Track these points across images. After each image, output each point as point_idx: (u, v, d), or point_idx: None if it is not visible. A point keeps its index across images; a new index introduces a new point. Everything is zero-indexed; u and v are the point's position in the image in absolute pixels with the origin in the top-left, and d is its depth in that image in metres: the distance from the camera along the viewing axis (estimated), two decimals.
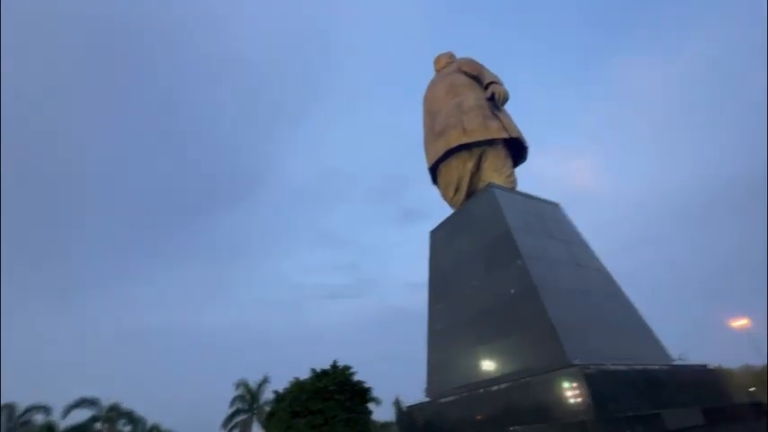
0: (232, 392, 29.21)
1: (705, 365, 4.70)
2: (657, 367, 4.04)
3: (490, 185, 5.90)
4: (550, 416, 3.16)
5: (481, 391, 4.11)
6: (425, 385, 5.45)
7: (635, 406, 3.02)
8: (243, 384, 29.50)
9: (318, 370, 19.24)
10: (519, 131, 7.01)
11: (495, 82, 7.51)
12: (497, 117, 7.13)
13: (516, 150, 7.16)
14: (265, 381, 29.07)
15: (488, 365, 4.43)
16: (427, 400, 5.33)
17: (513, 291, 4.52)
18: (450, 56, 9.36)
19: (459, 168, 7.00)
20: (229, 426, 28.57)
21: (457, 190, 7.07)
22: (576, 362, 3.43)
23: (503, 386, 3.85)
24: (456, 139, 6.85)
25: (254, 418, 28.43)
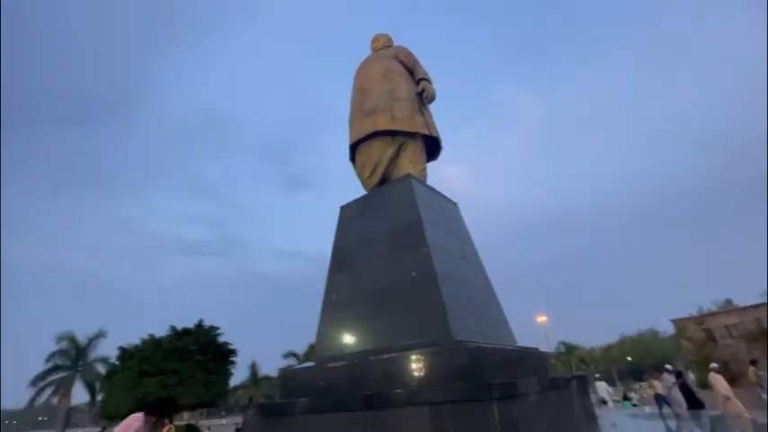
0: (52, 346, 24.41)
1: (537, 348, 6.08)
2: (510, 348, 5.10)
3: (409, 176, 6.31)
4: (435, 381, 3.70)
5: (372, 358, 4.51)
6: (316, 350, 5.66)
7: (498, 376, 3.77)
8: (68, 338, 24.76)
9: (180, 328, 17.82)
10: (438, 132, 7.60)
11: (426, 79, 7.94)
12: (422, 113, 7.59)
13: (431, 148, 7.76)
14: (100, 335, 24.95)
15: (381, 336, 4.86)
16: (313, 364, 5.56)
17: (414, 274, 5.01)
18: (389, 39, 9.44)
19: (380, 152, 7.25)
20: (41, 384, 23.86)
21: (372, 172, 7.32)
22: (460, 339, 4.09)
23: (393, 355, 4.30)
24: (383, 124, 7.06)
25: (78, 376, 24.35)
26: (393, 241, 5.57)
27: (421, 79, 7.90)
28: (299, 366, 5.64)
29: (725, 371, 21.04)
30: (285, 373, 5.36)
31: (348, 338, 5.20)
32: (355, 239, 6.22)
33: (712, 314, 22.78)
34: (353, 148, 7.68)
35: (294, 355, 34.83)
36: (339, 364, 4.82)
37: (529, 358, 5.44)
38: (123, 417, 17.05)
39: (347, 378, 4.55)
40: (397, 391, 3.68)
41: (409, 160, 7.18)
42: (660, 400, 13.40)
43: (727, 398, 10.76)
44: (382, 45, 9.24)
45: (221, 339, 18.57)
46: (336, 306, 5.76)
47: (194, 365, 16.70)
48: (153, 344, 17.17)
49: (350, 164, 8.13)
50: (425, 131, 7.26)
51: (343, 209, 6.96)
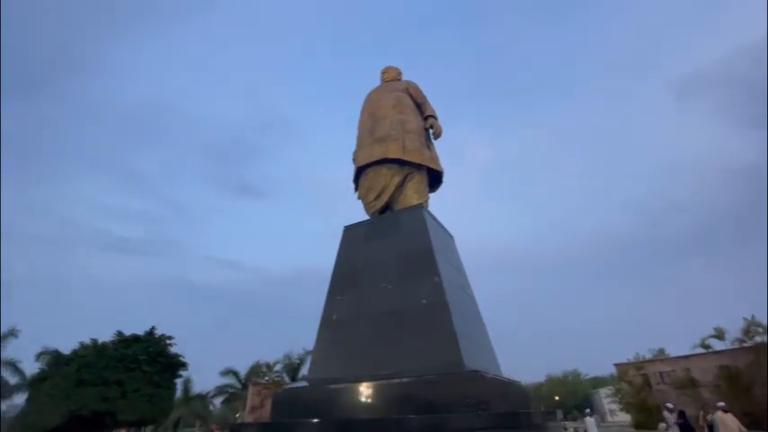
0: None
1: (519, 381, 6.36)
2: (507, 379, 5.32)
3: (421, 206, 6.55)
4: (450, 409, 3.80)
5: (383, 382, 4.53)
6: (313, 370, 5.55)
7: (503, 405, 3.95)
8: None
9: (129, 335, 16.41)
10: (442, 167, 7.99)
11: (434, 116, 8.40)
12: (429, 148, 7.98)
13: (431, 181, 8.09)
14: (10, 334, 22.01)
15: (387, 361, 4.90)
16: (305, 384, 5.45)
17: (424, 301, 5.16)
18: (399, 72, 9.93)
19: (387, 179, 7.48)
20: None
21: (378, 197, 7.50)
22: (474, 368, 4.24)
23: (406, 380, 4.36)
24: (394, 153, 7.33)
25: None
26: (402, 267, 5.70)
27: (429, 116, 8.34)
28: (296, 386, 5.49)
29: (655, 414, 22.56)
30: (285, 392, 5.19)
31: (352, 360, 5.17)
32: (360, 261, 6.29)
33: (649, 361, 24.57)
34: (359, 170, 7.86)
35: (234, 373, 32.42)
36: (344, 385, 4.77)
37: (516, 388, 5.66)
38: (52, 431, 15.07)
39: (351, 402, 4.52)
40: (411, 416, 3.72)
41: (414, 190, 7.45)
42: None
43: None
44: (393, 77, 9.70)
45: (173, 350, 17.28)
46: (337, 327, 5.73)
47: (141, 377, 15.29)
48: (94, 350, 15.59)
49: (352, 185, 8.30)
50: (432, 165, 7.61)
51: (348, 229, 7.03)
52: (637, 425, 22.07)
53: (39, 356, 22.77)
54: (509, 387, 4.81)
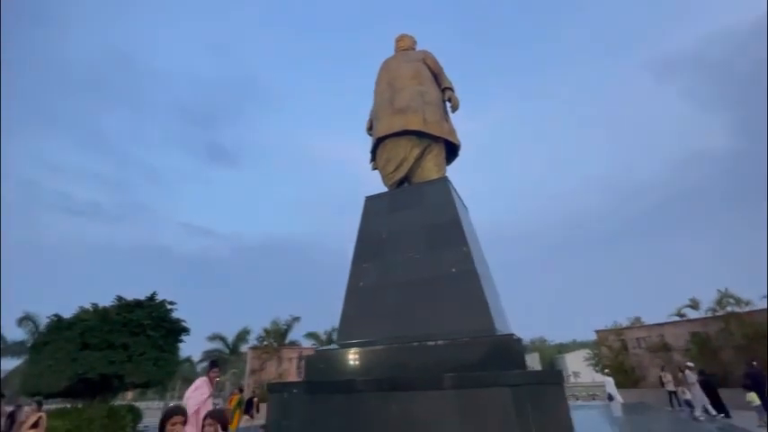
0: None
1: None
2: (522, 340, 5.71)
3: (446, 179, 6.65)
4: (486, 369, 4.09)
5: (415, 344, 4.80)
6: (342, 334, 5.80)
7: (524, 363, 4.28)
8: None
9: (132, 300, 16.46)
10: (459, 141, 8.01)
11: (451, 89, 8.31)
12: (447, 120, 7.96)
13: (448, 154, 8.13)
14: None
15: (419, 326, 5.15)
16: (336, 347, 5.71)
17: (454, 270, 5.37)
18: (414, 41, 9.69)
19: (407, 150, 7.48)
20: None
21: (397, 168, 7.53)
22: (507, 332, 4.53)
23: (440, 342, 4.63)
24: (416, 124, 7.30)
25: None
26: (430, 237, 5.87)
27: (447, 88, 8.25)
28: (331, 348, 5.75)
29: (631, 375, 24.33)
30: (319, 354, 5.45)
31: (384, 325, 5.41)
32: (385, 232, 6.43)
33: (627, 328, 26.13)
34: (377, 141, 7.82)
35: (222, 338, 33.06)
36: (380, 347, 5.03)
37: (527, 348, 6.08)
38: (59, 394, 15.35)
39: (389, 362, 4.79)
40: (483, 373, 3.91)
41: (434, 163, 7.50)
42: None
43: None
44: (408, 45, 9.48)
45: (174, 316, 17.45)
46: (366, 293, 5.94)
47: (146, 341, 15.51)
48: (98, 314, 15.64)
49: (369, 155, 8.29)
50: (451, 138, 7.62)
51: (370, 200, 7.11)
52: (619, 384, 23.82)
53: (20, 322, 22.73)
54: (529, 349, 5.16)
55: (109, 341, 14.43)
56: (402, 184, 7.65)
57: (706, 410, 12.67)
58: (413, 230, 6.10)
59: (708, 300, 22.60)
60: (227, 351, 32.32)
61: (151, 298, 17.35)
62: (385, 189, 7.71)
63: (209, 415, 3.05)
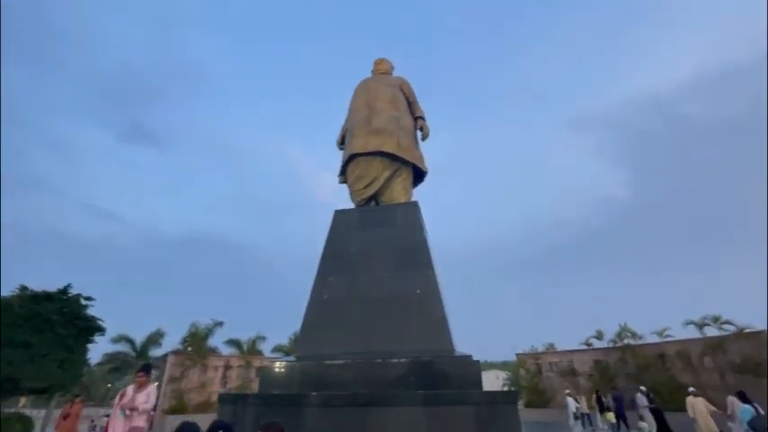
0: None
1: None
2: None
3: (416, 203, 6.96)
4: (447, 387, 4.34)
5: (379, 360, 4.92)
6: (302, 345, 5.71)
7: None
8: None
9: (40, 291, 14.38)
10: (427, 168, 8.43)
11: (423, 118, 8.79)
12: (418, 148, 8.38)
13: (415, 179, 8.49)
14: None
15: (381, 342, 5.28)
16: (294, 359, 5.61)
17: (418, 291, 5.62)
18: (392, 66, 10.13)
19: (379, 171, 7.73)
20: None
21: (367, 186, 7.72)
22: (465, 353, 4.84)
23: (403, 359, 4.80)
24: (390, 147, 7.60)
25: None
26: (398, 257, 6.08)
27: (419, 117, 8.71)
28: (287, 359, 5.63)
29: (543, 395, 26.43)
30: (276, 366, 5.28)
31: (346, 339, 5.45)
32: (354, 246, 6.52)
33: (543, 353, 28.51)
34: (351, 156, 7.96)
35: (129, 340, 29.89)
36: (341, 362, 5.05)
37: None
38: None
39: (349, 377, 4.83)
40: (449, 392, 4.10)
41: (402, 186, 7.81)
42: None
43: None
44: (386, 70, 9.87)
45: (90, 313, 15.50)
46: (329, 307, 5.94)
47: (53, 340, 13.52)
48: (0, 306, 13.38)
49: (339, 169, 8.38)
50: (419, 165, 8.02)
51: (340, 214, 7.17)
52: (527, 404, 25.62)
53: None
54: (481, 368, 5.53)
55: (8, 337, 12.24)
56: (369, 201, 7.84)
57: None
58: (382, 249, 6.28)
59: (610, 331, 25.57)
60: (134, 355, 29.11)
61: (64, 291, 15.25)
62: (350, 203, 7.87)
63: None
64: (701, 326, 21.30)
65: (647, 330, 24.17)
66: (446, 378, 4.47)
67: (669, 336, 22.58)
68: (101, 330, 15.79)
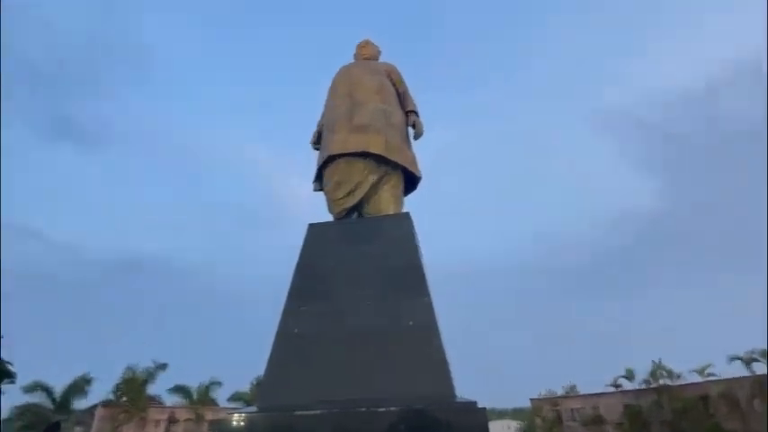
0: None
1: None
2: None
3: (408, 215, 6.97)
4: None
5: (363, 409, 4.85)
6: (266, 391, 5.59)
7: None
8: None
9: None
10: (421, 173, 8.50)
11: (416, 113, 8.90)
12: (410, 148, 8.45)
13: (406, 186, 8.55)
14: None
15: (365, 387, 5.21)
16: (256, 410, 5.50)
17: (411, 323, 5.59)
18: (378, 51, 10.25)
19: (363, 175, 7.69)
20: None
21: (349, 193, 7.67)
22: (469, 399, 4.81)
23: (392, 408, 4.74)
24: (377, 147, 7.59)
25: None
26: (386, 282, 6.04)
27: (411, 111, 8.82)
28: (248, 410, 5.51)
29: None
30: (234, 419, 5.14)
31: (322, 385, 5.35)
32: (331, 269, 6.47)
33: (562, 397, 28.61)
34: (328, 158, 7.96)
35: (46, 389, 28.72)
36: (316, 412, 4.95)
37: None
38: None
39: (331, 430, 4.74)
40: None
41: (391, 194, 7.83)
42: None
43: None
44: (371, 55, 9.98)
45: None
46: (301, 343, 5.85)
47: None
48: None
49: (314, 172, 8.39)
50: (411, 169, 8.06)
51: (314, 228, 7.12)
52: None
53: None
54: (488, 417, 5.51)
55: None
56: (351, 213, 7.84)
57: None
58: (366, 272, 6.25)
59: (642, 370, 25.91)
60: (52, 408, 27.92)
61: None
62: (328, 216, 7.86)
63: None
64: (748, 362, 21.82)
65: (686, 368, 24.61)
66: (445, 430, 4.43)
67: (711, 374, 23.03)
68: (10, 376, 15.12)
